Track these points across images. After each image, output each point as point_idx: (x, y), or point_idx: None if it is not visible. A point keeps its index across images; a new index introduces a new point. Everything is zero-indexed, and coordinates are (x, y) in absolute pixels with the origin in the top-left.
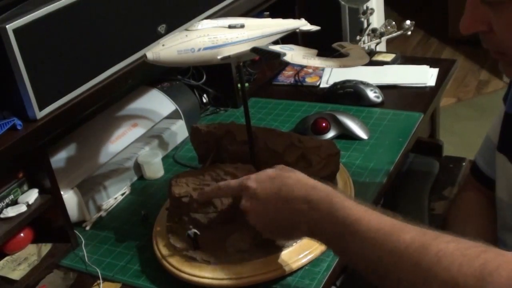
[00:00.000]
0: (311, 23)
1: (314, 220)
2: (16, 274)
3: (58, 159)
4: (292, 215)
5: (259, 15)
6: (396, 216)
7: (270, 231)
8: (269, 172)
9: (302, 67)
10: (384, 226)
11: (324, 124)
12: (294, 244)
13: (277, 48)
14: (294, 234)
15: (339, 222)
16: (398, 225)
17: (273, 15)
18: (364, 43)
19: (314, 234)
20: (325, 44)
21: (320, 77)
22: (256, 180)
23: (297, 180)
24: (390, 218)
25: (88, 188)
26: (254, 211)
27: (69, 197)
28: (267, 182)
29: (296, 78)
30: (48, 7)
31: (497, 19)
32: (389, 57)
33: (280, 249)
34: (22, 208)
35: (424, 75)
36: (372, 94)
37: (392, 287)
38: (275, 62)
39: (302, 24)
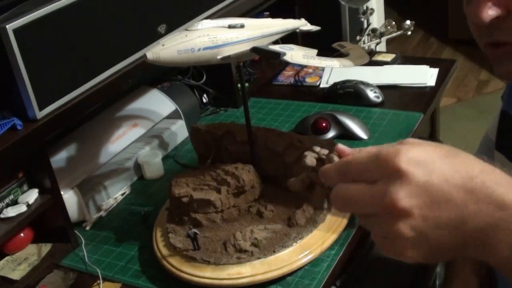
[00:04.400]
0: (311, 23)
1: None
2: (16, 274)
3: (58, 159)
4: (489, 225)
5: (259, 15)
6: None
7: (430, 252)
8: (434, 148)
9: (302, 67)
10: None
11: (324, 124)
12: (294, 244)
13: (277, 48)
14: (465, 253)
15: None
16: None
17: (273, 15)
18: (364, 43)
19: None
20: (325, 44)
21: (320, 77)
22: (422, 163)
23: (499, 172)
24: None
25: (88, 188)
26: (420, 213)
27: (69, 197)
28: (445, 165)
29: (296, 78)
30: (48, 7)
31: None
32: (389, 57)
33: (280, 249)
34: (22, 208)
35: (424, 75)
36: (372, 94)
37: None
38: (275, 62)
39: (302, 24)
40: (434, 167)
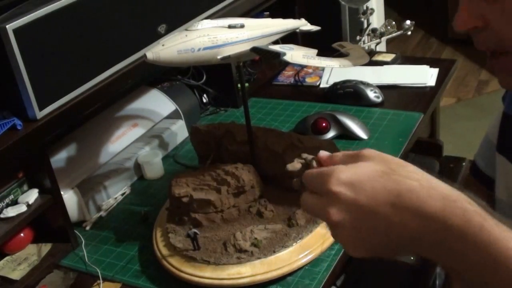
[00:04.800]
0: (311, 23)
1: (448, 242)
2: (16, 274)
3: (58, 159)
4: (415, 232)
5: (259, 15)
6: None
7: (371, 251)
8: (369, 167)
9: (302, 67)
10: None
11: (324, 124)
12: (294, 244)
13: (277, 48)
14: (404, 253)
15: (488, 248)
16: None
17: (273, 15)
18: (364, 43)
19: (437, 255)
20: (325, 44)
21: (320, 77)
22: (347, 181)
23: (425, 183)
24: None
25: (88, 188)
26: (350, 225)
27: (69, 197)
28: (375, 183)
29: (296, 78)
30: (48, 7)
31: (494, 12)
32: (389, 57)
33: (280, 249)
34: (22, 208)
35: (424, 75)
36: (372, 94)
37: None
38: (275, 62)
39: (302, 24)
40: (362, 187)
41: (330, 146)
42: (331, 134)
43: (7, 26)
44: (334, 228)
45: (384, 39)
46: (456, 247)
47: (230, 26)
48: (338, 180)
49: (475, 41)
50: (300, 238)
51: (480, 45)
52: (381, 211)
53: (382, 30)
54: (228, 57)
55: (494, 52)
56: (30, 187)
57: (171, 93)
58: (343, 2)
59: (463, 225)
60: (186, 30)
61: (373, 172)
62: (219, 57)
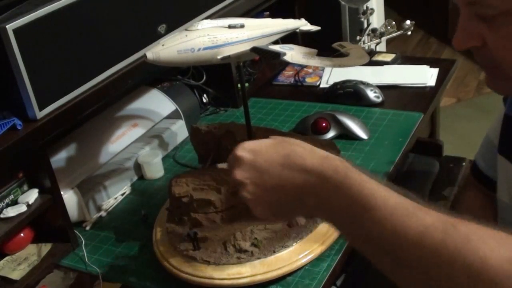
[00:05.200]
0: (311, 23)
1: (324, 192)
2: (16, 274)
3: (58, 159)
4: (300, 186)
5: (259, 15)
6: (417, 199)
7: (271, 208)
8: (268, 140)
9: (302, 67)
10: (405, 204)
11: (324, 124)
12: (294, 244)
13: (277, 48)
14: (297, 210)
15: (353, 196)
16: (419, 205)
17: (273, 15)
18: (364, 43)
19: (321, 209)
20: (325, 44)
21: (320, 77)
22: (249, 148)
23: (308, 149)
24: (411, 200)
25: (88, 188)
26: (250, 182)
27: (69, 197)
28: (270, 149)
29: (296, 78)
30: (48, 7)
31: (491, 33)
32: (389, 57)
33: (280, 249)
34: (22, 208)
35: (424, 75)
36: (372, 94)
37: (409, 273)
38: (275, 62)
39: (302, 24)
40: (260, 152)
41: (330, 146)
42: (331, 134)
43: (7, 26)
44: (239, 186)
45: (384, 39)
46: (332, 196)
47: (230, 26)
48: (243, 148)
49: (475, 56)
50: (300, 238)
51: (478, 60)
52: (273, 170)
53: (382, 30)
54: (228, 57)
55: (491, 69)
56: (30, 187)
57: (171, 93)
58: (343, 2)
59: (335, 177)
60: (186, 30)
61: (270, 143)
62: (219, 57)
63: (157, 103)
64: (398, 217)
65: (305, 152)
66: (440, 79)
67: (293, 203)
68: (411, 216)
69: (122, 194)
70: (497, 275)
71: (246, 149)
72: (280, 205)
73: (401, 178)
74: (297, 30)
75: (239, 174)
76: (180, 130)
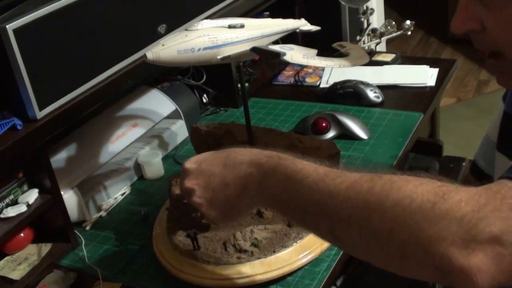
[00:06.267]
0: (311, 23)
1: (262, 176)
2: (16, 274)
3: (58, 159)
4: (243, 177)
5: (259, 15)
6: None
7: (222, 209)
8: (210, 151)
9: (302, 67)
10: (334, 170)
11: (324, 124)
12: (294, 244)
13: (277, 48)
14: (244, 203)
15: (288, 173)
16: (349, 170)
17: (273, 15)
18: (364, 43)
19: (261, 194)
20: (325, 44)
21: (320, 77)
22: (195, 160)
23: (244, 149)
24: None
25: (88, 188)
26: (199, 187)
27: (69, 197)
28: (211, 156)
29: (296, 78)
30: (48, 7)
31: (490, 16)
32: (389, 57)
33: (280, 249)
34: (22, 208)
35: (424, 75)
36: (372, 94)
37: (346, 230)
38: (275, 62)
39: (302, 24)
40: (204, 161)
41: (330, 146)
42: (331, 134)
43: (7, 26)
44: (190, 195)
45: (384, 39)
46: (269, 178)
47: (230, 26)
48: (189, 161)
49: (473, 41)
50: (300, 238)
51: (477, 46)
52: (217, 170)
53: (382, 30)
54: (228, 57)
55: (491, 53)
56: (30, 187)
57: (171, 93)
58: (343, 2)
59: (270, 161)
60: (186, 30)
61: (211, 152)
62: (219, 57)
63: (157, 103)
64: (330, 179)
65: (242, 150)
66: (440, 79)
67: (240, 197)
68: (341, 175)
69: (122, 194)
70: (425, 207)
71: (192, 161)
72: (230, 203)
73: None
74: (297, 30)
75: (188, 182)
76: (180, 130)
